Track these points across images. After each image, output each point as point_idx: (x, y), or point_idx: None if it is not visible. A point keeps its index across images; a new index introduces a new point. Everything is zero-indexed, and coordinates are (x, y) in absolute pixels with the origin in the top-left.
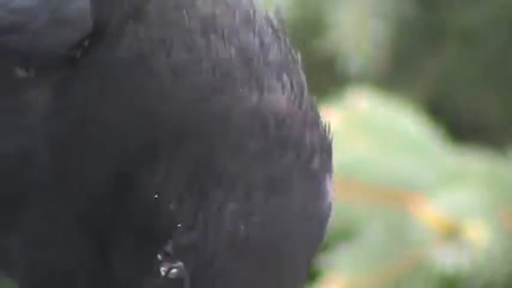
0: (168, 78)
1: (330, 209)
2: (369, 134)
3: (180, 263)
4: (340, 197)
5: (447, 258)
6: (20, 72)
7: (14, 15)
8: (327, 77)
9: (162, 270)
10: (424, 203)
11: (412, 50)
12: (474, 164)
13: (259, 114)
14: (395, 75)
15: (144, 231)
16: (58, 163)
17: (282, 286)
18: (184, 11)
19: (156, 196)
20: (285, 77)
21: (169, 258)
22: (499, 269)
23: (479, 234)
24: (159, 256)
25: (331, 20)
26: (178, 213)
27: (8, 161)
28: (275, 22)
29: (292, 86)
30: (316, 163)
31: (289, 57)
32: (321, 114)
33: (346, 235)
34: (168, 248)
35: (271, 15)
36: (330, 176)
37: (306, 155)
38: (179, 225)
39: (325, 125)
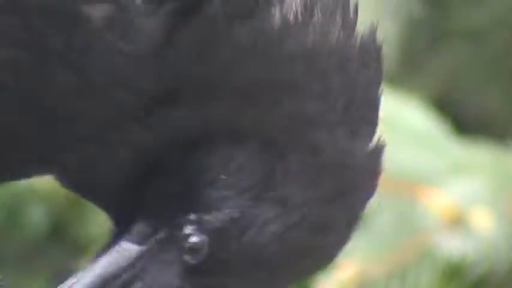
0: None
1: None
2: (380, 128)
3: (204, 236)
4: None
5: (453, 245)
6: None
7: None
8: None
9: (186, 230)
10: (431, 193)
11: (419, 48)
12: (479, 155)
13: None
14: (404, 72)
15: (186, 195)
16: (153, 103)
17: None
18: None
19: (205, 177)
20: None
21: (190, 223)
22: (503, 255)
23: (484, 222)
24: (186, 223)
25: None
26: (216, 197)
27: (105, 83)
28: None
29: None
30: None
31: None
32: None
33: None
34: (191, 215)
35: None
36: None
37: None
38: (213, 204)
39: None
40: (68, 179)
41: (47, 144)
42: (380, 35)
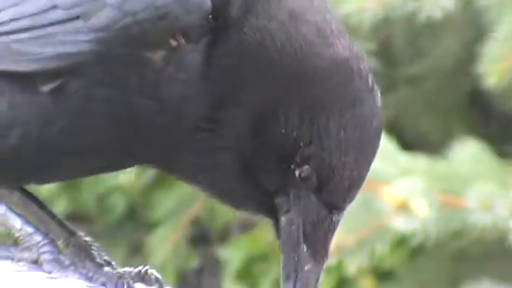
0: (276, 54)
1: (381, 112)
2: None
3: (307, 166)
4: None
5: (400, 224)
6: (173, 43)
7: (159, 10)
8: None
9: (297, 173)
10: (386, 189)
11: None
12: (417, 163)
13: (338, 64)
14: None
15: (280, 153)
16: (212, 109)
17: (367, 165)
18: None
19: (283, 130)
20: (345, 36)
21: (299, 164)
22: (433, 229)
23: (421, 208)
24: (292, 166)
25: None
26: (300, 137)
27: (171, 103)
28: None
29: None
30: (371, 82)
31: None
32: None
33: None
34: (297, 158)
35: None
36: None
37: (366, 80)
38: (301, 144)
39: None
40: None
41: (142, 150)
42: None
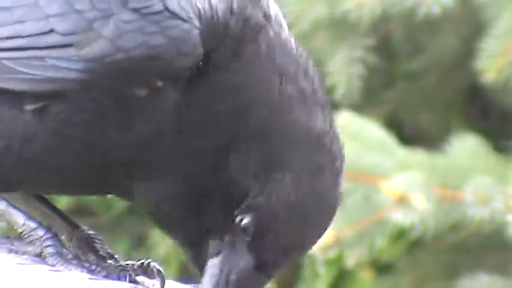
0: (254, 101)
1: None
2: (351, 138)
3: (248, 216)
4: None
5: (399, 217)
6: (160, 83)
7: (152, 50)
8: None
9: (237, 219)
10: (386, 182)
11: (376, 86)
12: (416, 157)
13: (311, 132)
14: (366, 102)
15: (229, 195)
16: (182, 139)
17: (312, 237)
18: (266, 59)
19: (240, 173)
20: (326, 111)
21: (242, 212)
22: (431, 222)
23: (419, 202)
24: (236, 212)
25: (328, 66)
26: (253, 185)
27: (147, 131)
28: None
29: (328, 115)
30: (338, 163)
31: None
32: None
33: None
34: (243, 206)
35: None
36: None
37: (334, 158)
38: (251, 193)
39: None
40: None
41: (114, 178)
42: (349, 77)
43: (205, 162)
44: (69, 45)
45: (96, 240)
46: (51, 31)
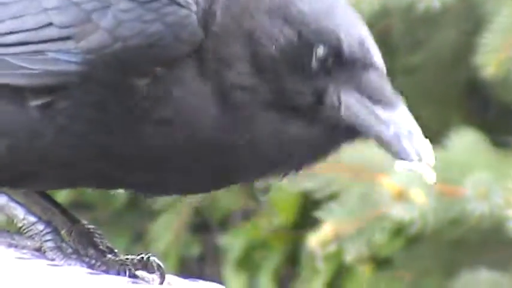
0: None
1: None
2: None
3: (319, 49)
4: (332, 172)
5: (399, 213)
6: (159, 70)
7: (150, 38)
8: None
9: (315, 63)
10: (384, 177)
11: None
12: None
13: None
14: None
15: (291, 62)
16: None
17: (357, 21)
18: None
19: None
20: None
21: (314, 53)
22: (431, 218)
23: (419, 198)
24: (310, 61)
25: None
26: (296, 37)
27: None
28: None
29: None
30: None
31: None
32: None
33: (335, 197)
34: (306, 55)
35: None
36: None
37: None
38: (301, 40)
39: None
40: None
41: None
42: None
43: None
44: (68, 37)
45: (96, 235)
46: (50, 24)
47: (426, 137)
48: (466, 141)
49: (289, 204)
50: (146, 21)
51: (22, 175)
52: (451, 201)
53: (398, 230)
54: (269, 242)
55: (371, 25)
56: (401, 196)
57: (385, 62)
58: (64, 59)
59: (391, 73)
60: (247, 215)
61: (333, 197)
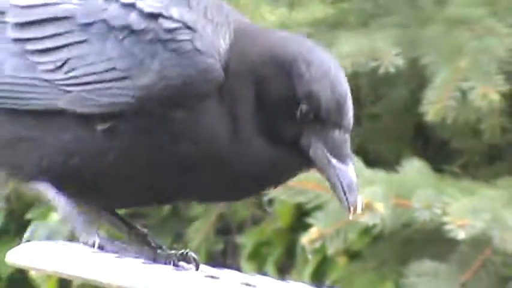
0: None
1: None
2: None
3: (302, 104)
4: (319, 189)
5: (366, 219)
6: (191, 104)
7: (186, 79)
8: None
9: (298, 114)
10: None
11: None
12: (378, 176)
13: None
14: None
15: (281, 106)
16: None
17: (344, 86)
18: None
19: (277, 89)
20: None
21: (297, 106)
22: (389, 223)
23: (380, 208)
24: (294, 110)
25: None
26: (289, 86)
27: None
28: None
29: None
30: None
31: None
32: None
33: (320, 207)
34: (293, 104)
35: None
36: None
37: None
38: (292, 93)
39: None
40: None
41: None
42: None
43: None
44: (127, 77)
45: (148, 236)
46: (113, 69)
47: (385, 167)
48: (414, 168)
49: (287, 213)
50: (183, 66)
51: (88, 189)
52: (403, 211)
53: (366, 231)
54: (272, 241)
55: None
56: (368, 207)
57: (355, 110)
58: (123, 93)
59: (359, 119)
60: (257, 221)
61: (319, 207)
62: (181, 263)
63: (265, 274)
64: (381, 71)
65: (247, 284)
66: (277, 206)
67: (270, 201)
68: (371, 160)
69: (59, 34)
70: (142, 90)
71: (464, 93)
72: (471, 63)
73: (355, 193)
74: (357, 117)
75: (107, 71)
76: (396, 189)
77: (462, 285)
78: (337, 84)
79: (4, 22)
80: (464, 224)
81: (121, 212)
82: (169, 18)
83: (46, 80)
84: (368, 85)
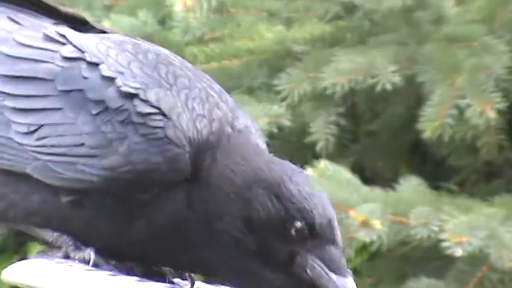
0: (239, 174)
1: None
2: (327, 179)
3: (296, 222)
4: None
5: (363, 235)
6: (156, 190)
7: (152, 166)
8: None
9: (293, 232)
10: (353, 211)
11: (346, 141)
12: (375, 193)
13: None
14: (339, 153)
15: (274, 228)
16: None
17: (329, 206)
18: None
19: (264, 214)
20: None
21: (291, 225)
22: (386, 239)
23: (377, 225)
24: (289, 231)
25: (311, 127)
26: (281, 210)
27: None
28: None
29: None
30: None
31: None
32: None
33: None
34: (287, 223)
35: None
36: None
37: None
38: (284, 214)
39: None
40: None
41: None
42: (326, 135)
43: (239, 230)
44: (94, 156)
45: None
46: (82, 144)
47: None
48: (411, 185)
49: None
50: (151, 153)
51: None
52: (400, 228)
53: (363, 247)
54: None
55: (345, 100)
56: (365, 224)
57: (353, 128)
58: (89, 171)
59: (357, 136)
60: None
61: None
62: (177, 280)
63: None
64: (378, 88)
65: None
66: None
67: None
68: (368, 177)
69: (37, 96)
70: (107, 171)
71: (461, 110)
72: (468, 81)
73: None
74: (354, 134)
75: (76, 145)
76: (393, 207)
77: None
78: (325, 203)
79: None
80: (461, 241)
81: None
82: (145, 101)
83: (18, 143)
84: (365, 102)
